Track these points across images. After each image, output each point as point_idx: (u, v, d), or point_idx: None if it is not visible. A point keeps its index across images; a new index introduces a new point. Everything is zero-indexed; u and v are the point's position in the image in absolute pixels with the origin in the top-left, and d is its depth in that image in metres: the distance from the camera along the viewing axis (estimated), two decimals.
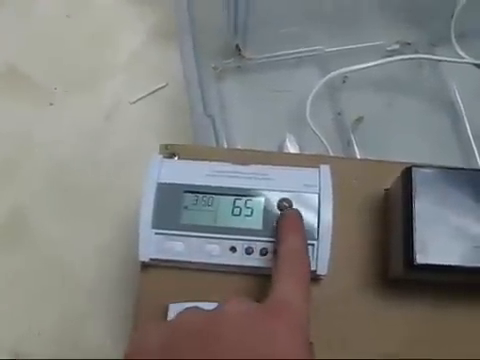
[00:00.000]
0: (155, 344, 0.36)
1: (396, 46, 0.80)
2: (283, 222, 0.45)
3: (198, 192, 0.48)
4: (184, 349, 0.34)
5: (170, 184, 0.48)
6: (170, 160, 0.51)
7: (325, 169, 0.49)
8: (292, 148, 0.73)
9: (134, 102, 0.79)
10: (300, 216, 0.45)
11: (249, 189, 0.48)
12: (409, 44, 0.81)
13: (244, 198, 0.48)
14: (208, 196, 0.48)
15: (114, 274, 0.70)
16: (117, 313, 0.68)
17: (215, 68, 0.78)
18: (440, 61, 0.78)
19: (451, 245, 0.42)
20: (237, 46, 0.77)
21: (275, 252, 0.45)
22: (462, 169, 0.45)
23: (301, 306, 0.38)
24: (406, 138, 0.75)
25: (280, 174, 0.49)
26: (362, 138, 0.74)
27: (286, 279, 0.40)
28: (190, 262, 0.48)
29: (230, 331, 0.34)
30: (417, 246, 0.42)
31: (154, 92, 0.79)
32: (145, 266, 0.49)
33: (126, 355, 0.37)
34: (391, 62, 0.74)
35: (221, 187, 0.48)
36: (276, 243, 0.45)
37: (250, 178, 0.49)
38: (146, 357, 0.36)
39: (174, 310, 0.46)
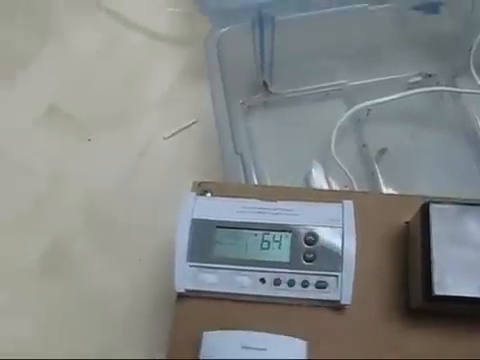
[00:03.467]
0: None
1: (418, 78, 0.82)
2: None
3: (229, 227, 0.51)
4: None
5: (203, 220, 0.52)
6: (203, 197, 0.54)
7: (348, 204, 0.52)
8: (318, 180, 0.76)
9: (167, 138, 0.82)
10: None
11: (277, 224, 0.51)
12: (430, 76, 0.82)
13: (272, 233, 0.51)
14: (239, 231, 0.51)
15: (148, 305, 0.72)
16: (151, 341, 0.70)
17: (243, 104, 0.81)
18: (461, 93, 0.80)
19: (468, 277, 0.44)
20: (264, 82, 0.79)
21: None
22: (478, 204, 0.47)
23: None
24: (429, 169, 0.76)
25: (306, 209, 0.52)
26: (386, 169, 0.76)
27: None
28: (222, 293, 0.51)
29: None
30: (435, 278, 0.44)
31: (186, 128, 0.83)
32: (180, 296, 0.52)
33: None
34: (413, 94, 0.77)
35: (251, 222, 0.51)
36: None
37: (278, 214, 0.52)
38: None
39: (208, 338, 0.49)
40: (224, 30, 0.71)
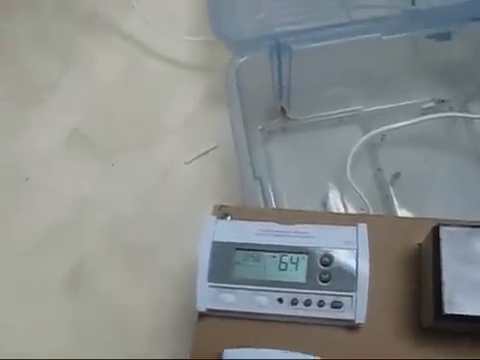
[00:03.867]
0: None
1: (431, 104, 0.84)
2: None
3: (248, 249, 0.53)
4: None
5: (223, 242, 0.54)
6: (223, 220, 0.56)
7: (362, 227, 0.54)
8: (335, 203, 0.78)
9: (188, 162, 0.85)
10: None
11: (294, 246, 0.53)
12: (443, 102, 0.84)
13: (290, 254, 0.53)
14: (257, 253, 0.53)
15: (167, 325, 0.74)
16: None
17: (263, 129, 0.84)
18: (474, 118, 0.81)
19: (478, 297, 0.46)
20: (282, 108, 0.82)
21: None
22: None
23: None
24: (442, 193, 0.78)
25: (322, 232, 0.54)
26: (401, 193, 0.78)
27: None
28: (241, 312, 0.53)
29: None
30: (445, 297, 0.46)
31: (206, 153, 0.85)
32: (202, 316, 0.54)
33: None
34: (427, 120, 0.78)
35: (269, 245, 0.53)
36: None
37: (295, 236, 0.54)
38: None
39: (228, 356, 0.51)
40: (243, 59, 0.73)
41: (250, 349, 0.51)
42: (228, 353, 0.51)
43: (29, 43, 0.99)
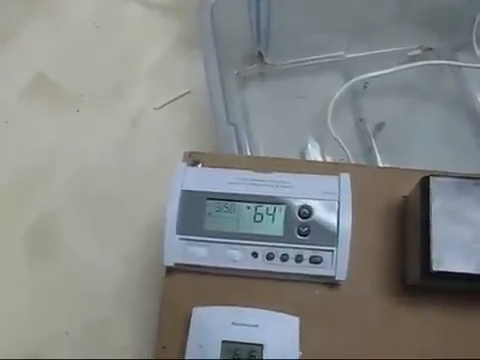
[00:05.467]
0: None
1: (418, 52, 0.81)
2: None
3: (221, 199, 0.49)
4: None
5: (194, 191, 0.50)
6: (194, 168, 0.52)
7: (345, 177, 0.50)
8: (314, 153, 0.74)
9: (158, 108, 0.80)
10: None
11: (271, 196, 0.49)
12: (431, 49, 0.80)
13: (266, 205, 0.49)
14: (231, 203, 0.49)
15: (139, 279, 0.71)
16: (141, 316, 0.69)
17: (238, 74, 0.79)
18: (462, 67, 0.78)
19: (466, 254, 0.43)
20: (259, 53, 0.78)
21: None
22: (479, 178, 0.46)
23: None
24: (427, 144, 0.75)
25: (301, 182, 0.50)
26: (383, 144, 0.75)
27: None
28: (213, 267, 0.49)
29: None
30: (433, 254, 0.43)
31: (177, 99, 0.81)
32: (170, 271, 0.50)
33: None
34: (412, 68, 0.75)
35: (243, 194, 0.49)
36: None
37: (272, 186, 0.50)
38: None
39: (198, 314, 0.48)
40: None
41: (221, 307, 0.48)
42: (197, 311, 0.48)
43: None
